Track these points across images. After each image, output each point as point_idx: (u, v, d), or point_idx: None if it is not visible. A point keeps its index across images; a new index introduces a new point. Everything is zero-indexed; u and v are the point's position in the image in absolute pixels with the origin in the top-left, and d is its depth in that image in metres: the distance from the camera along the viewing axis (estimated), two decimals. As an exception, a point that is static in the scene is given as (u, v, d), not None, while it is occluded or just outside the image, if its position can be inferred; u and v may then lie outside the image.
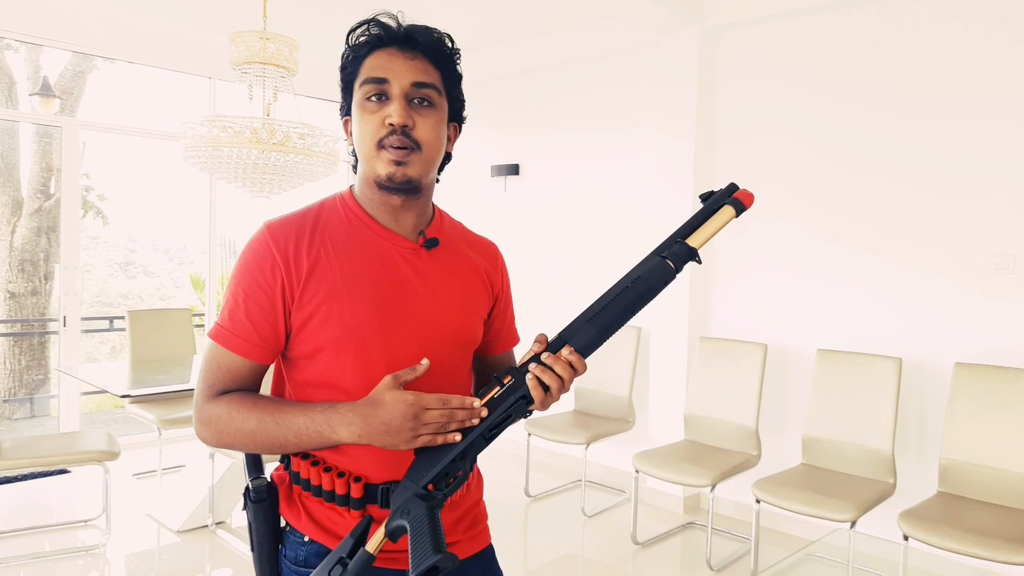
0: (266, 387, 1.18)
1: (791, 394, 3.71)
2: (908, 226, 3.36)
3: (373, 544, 1.01)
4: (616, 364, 4.17)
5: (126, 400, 3.47)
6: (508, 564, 3.26)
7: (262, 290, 1.09)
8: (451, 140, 1.22)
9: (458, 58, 1.18)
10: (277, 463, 1.19)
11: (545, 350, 1.03)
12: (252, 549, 1.14)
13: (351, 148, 1.18)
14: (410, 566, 0.95)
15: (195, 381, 1.17)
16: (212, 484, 3.56)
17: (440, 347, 1.14)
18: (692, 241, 1.04)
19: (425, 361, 1.04)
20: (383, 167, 1.10)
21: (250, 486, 1.12)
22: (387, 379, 1.01)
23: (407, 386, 1.02)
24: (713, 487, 3.21)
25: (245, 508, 1.14)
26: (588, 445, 3.85)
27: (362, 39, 1.14)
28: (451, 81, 1.17)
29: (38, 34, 4.57)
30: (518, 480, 4.35)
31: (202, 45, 4.80)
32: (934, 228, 3.29)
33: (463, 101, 1.23)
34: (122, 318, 5.26)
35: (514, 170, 5.12)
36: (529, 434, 4.08)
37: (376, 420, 1.00)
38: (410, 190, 1.13)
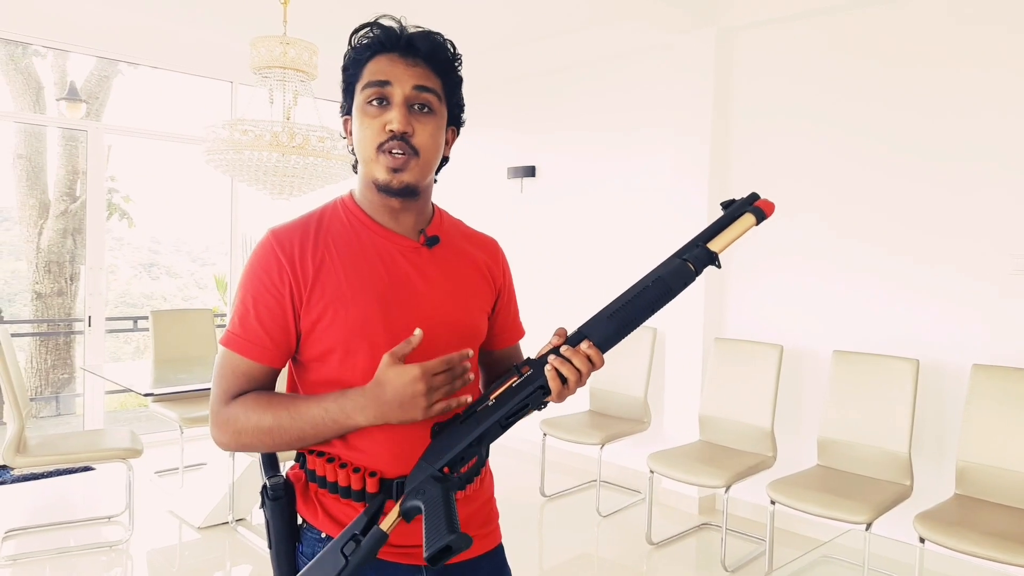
0: (280, 390, 1.21)
1: (807, 395, 3.70)
2: (925, 226, 3.35)
3: (387, 523, 1.03)
4: (631, 365, 4.18)
5: (149, 399, 3.54)
6: (523, 563, 3.30)
7: (271, 295, 1.12)
8: (449, 143, 1.24)
9: (459, 64, 1.20)
10: (292, 462, 1.22)
11: (564, 343, 1.06)
12: (270, 546, 1.16)
13: (350, 147, 1.21)
14: (424, 545, 0.97)
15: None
16: (232, 482, 3.62)
17: (445, 343, 1.16)
18: (713, 245, 1.06)
19: (418, 331, 1.05)
20: (381, 173, 1.13)
21: (267, 484, 1.15)
22: (386, 357, 1.03)
23: (406, 359, 1.04)
24: (728, 488, 3.21)
25: (263, 506, 1.17)
26: (603, 445, 3.87)
27: (364, 42, 1.16)
28: (451, 87, 1.20)
29: (65, 40, 4.67)
30: (533, 480, 4.38)
31: (223, 50, 4.88)
32: (952, 228, 3.27)
33: (463, 106, 1.25)
34: (145, 318, 5.35)
35: (530, 172, 5.15)
36: (544, 434, 4.11)
37: (387, 398, 1.02)
38: (408, 194, 1.16)
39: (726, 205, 1.09)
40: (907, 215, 3.40)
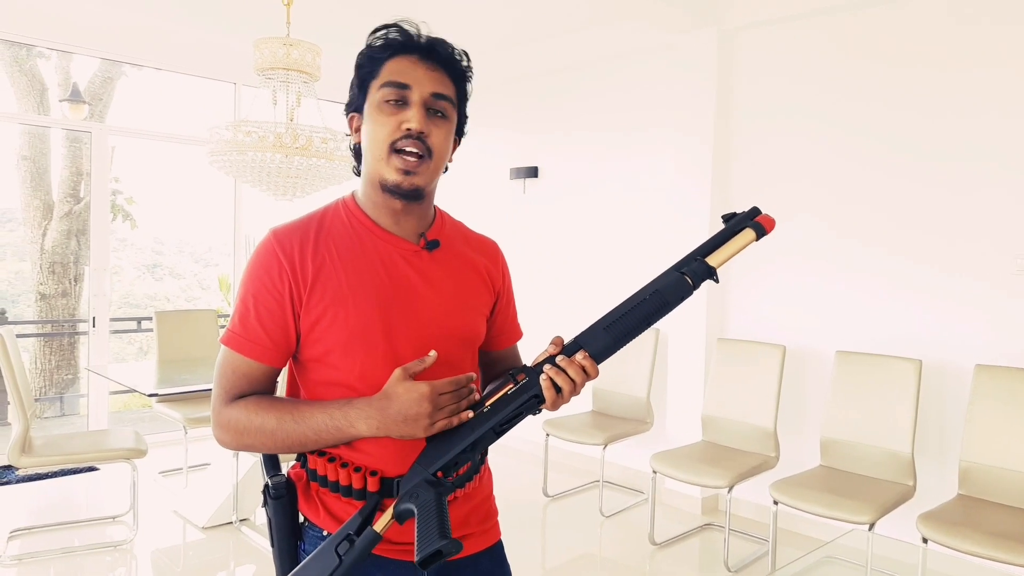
0: (280, 391, 1.22)
1: (809, 395, 3.70)
2: (928, 226, 3.35)
3: (381, 524, 1.05)
4: (634, 365, 4.18)
5: (153, 399, 3.55)
6: (526, 563, 3.30)
7: (271, 295, 1.13)
8: (451, 151, 1.25)
9: (470, 76, 1.22)
10: (293, 461, 1.23)
11: (560, 353, 1.07)
12: (272, 544, 1.17)
13: (354, 144, 1.22)
14: (416, 548, 0.98)
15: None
16: (236, 482, 3.63)
17: (443, 345, 1.18)
18: (711, 260, 1.07)
19: (433, 353, 1.08)
20: (392, 174, 1.14)
21: (269, 483, 1.16)
22: (397, 372, 1.06)
23: (416, 377, 1.06)
24: (731, 488, 3.21)
25: (265, 505, 1.18)
26: (606, 446, 3.87)
27: (383, 41, 1.17)
28: (463, 96, 1.22)
29: (68, 42, 4.68)
30: (536, 480, 4.38)
31: (227, 51, 4.89)
32: (954, 228, 3.27)
33: (467, 118, 1.27)
34: (149, 319, 5.37)
35: (533, 172, 5.15)
36: (547, 434, 4.11)
37: (392, 411, 1.04)
38: (414, 196, 1.17)
39: (728, 218, 1.10)
40: (909, 215, 3.40)
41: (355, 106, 1.21)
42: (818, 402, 3.61)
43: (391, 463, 1.13)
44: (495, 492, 1.33)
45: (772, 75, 3.88)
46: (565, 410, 4.14)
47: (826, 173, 3.67)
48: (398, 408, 1.04)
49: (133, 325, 7.74)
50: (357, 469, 1.12)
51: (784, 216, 3.79)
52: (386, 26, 1.17)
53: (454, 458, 1.06)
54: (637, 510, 4.05)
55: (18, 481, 4.25)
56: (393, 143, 1.13)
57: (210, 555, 3.38)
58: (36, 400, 6.47)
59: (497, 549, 1.30)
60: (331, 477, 1.13)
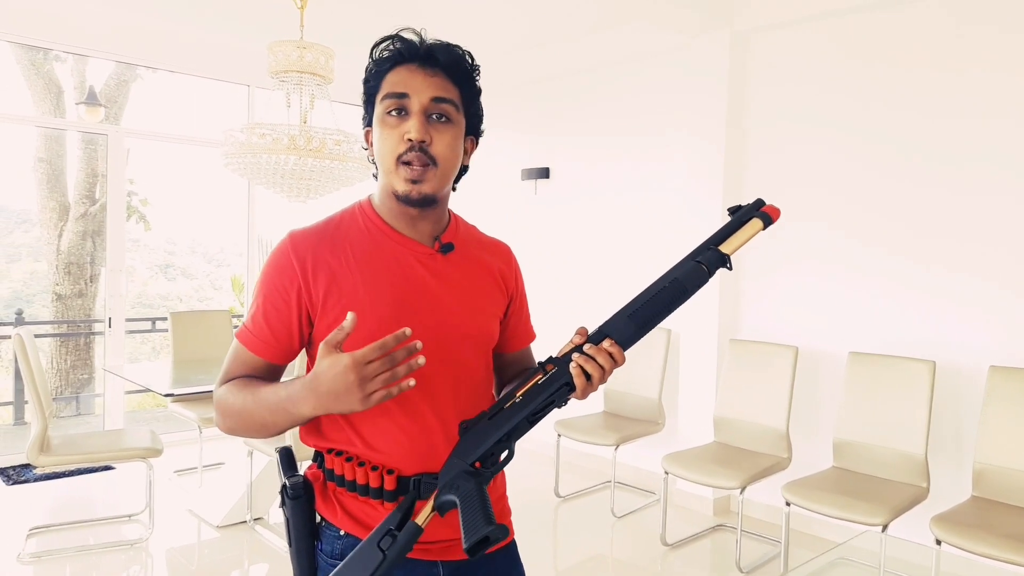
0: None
1: (822, 397, 3.69)
2: (941, 228, 3.33)
3: (422, 516, 1.06)
4: (646, 366, 4.18)
5: (168, 399, 3.58)
6: (538, 564, 3.31)
7: (280, 296, 1.16)
8: (468, 153, 1.27)
9: (477, 74, 1.23)
10: (309, 461, 1.25)
11: (586, 341, 1.09)
12: (289, 544, 1.19)
13: (371, 157, 1.24)
14: (463, 536, 1.01)
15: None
16: (251, 481, 3.66)
17: (458, 347, 1.20)
18: (724, 248, 1.10)
19: (350, 316, 1.02)
20: (400, 184, 1.16)
21: (287, 484, 1.18)
22: (320, 347, 1.01)
23: (343, 347, 1.02)
24: (743, 489, 3.21)
25: (282, 505, 1.19)
26: (617, 446, 3.88)
27: (384, 54, 1.19)
28: (470, 97, 1.22)
29: (84, 45, 4.73)
30: (548, 481, 4.39)
31: (241, 54, 4.93)
32: (968, 230, 3.25)
33: (481, 116, 1.27)
34: (164, 319, 5.41)
35: (544, 173, 5.16)
36: (559, 435, 4.12)
37: (322, 390, 1.02)
38: (426, 204, 1.19)
39: (733, 210, 1.14)
40: (923, 218, 3.38)
41: (367, 121, 1.24)
42: (831, 403, 3.60)
43: (407, 461, 1.15)
44: (496, 474, 1.34)
45: (786, 79, 3.87)
46: (577, 410, 4.15)
47: (839, 177, 3.66)
48: (327, 385, 1.01)
49: (148, 325, 7.80)
50: (374, 468, 1.14)
51: (796, 219, 3.78)
52: (387, 38, 1.19)
53: (491, 448, 1.08)
54: (649, 511, 4.05)
55: (36, 479, 4.30)
56: (398, 156, 1.15)
57: (224, 554, 3.41)
58: (53, 400, 6.54)
59: (511, 549, 1.32)
60: (348, 476, 1.15)
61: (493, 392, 1.34)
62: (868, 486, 3.06)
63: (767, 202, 1.13)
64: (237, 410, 1.14)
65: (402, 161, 1.15)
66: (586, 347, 1.08)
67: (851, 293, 3.61)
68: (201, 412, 3.97)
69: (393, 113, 1.16)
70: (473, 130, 1.26)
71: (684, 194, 4.19)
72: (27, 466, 4.43)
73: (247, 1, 4.08)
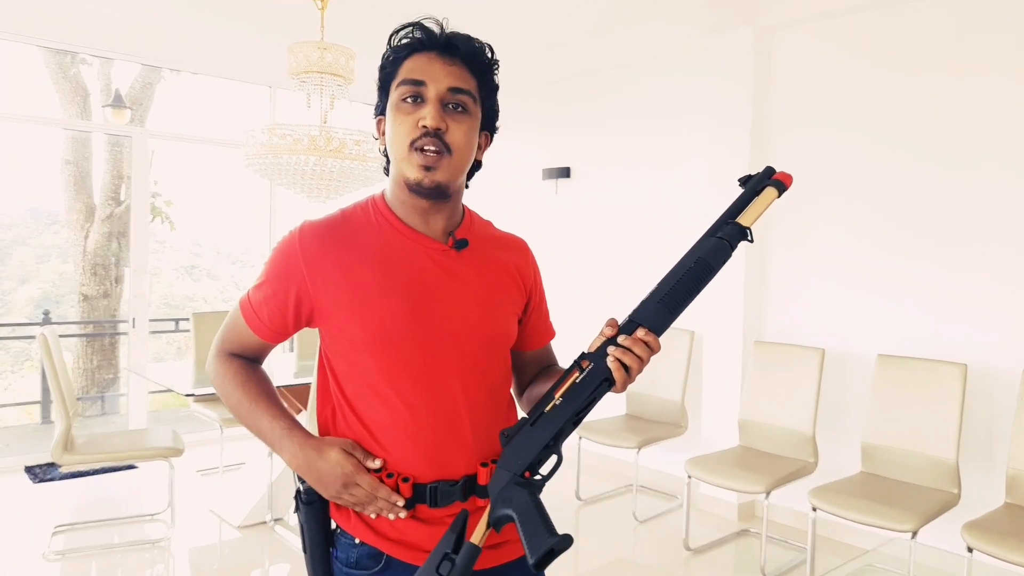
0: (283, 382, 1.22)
1: (850, 400, 3.61)
2: (972, 231, 3.25)
3: (477, 536, 1.03)
4: (669, 368, 4.13)
5: (190, 399, 3.60)
6: (559, 568, 3.27)
7: (281, 285, 1.16)
8: (482, 148, 1.23)
9: (496, 68, 1.20)
10: None
11: (618, 333, 1.05)
12: (304, 551, 1.17)
13: (382, 148, 1.21)
14: (527, 552, 0.97)
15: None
16: (271, 481, 3.67)
17: (474, 346, 1.17)
18: (742, 220, 1.07)
19: (378, 462, 1.12)
20: (413, 171, 1.12)
21: (301, 489, 1.16)
22: (347, 440, 1.13)
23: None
24: (768, 494, 3.15)
25: (297, 511, 1.18)
26: (640, 449, 3.83)
27: (404, 41, 1.16)
28: (487, 90, 1.19)
29: (110, 48, 4.78)
30: (569, 483, 4.35)
31: (262, 56, 4.95)
32: (998, 234, 3.17)
33: (497, 111, 1.24)
34: (187, 319, 5.45)
35: (565, 173, 5.13)
36: (580, 437, 4.08)
37: (313, 466, 1.11)
38: (438, 195, 1.15)
39: (744, 181, 1.11)
40: (954, 221, 3.30)
41: (380, 109, 1.21)
42: (858, 407, 3.53)
43: (423, 469, 1.12)
44: (548, 481, 1.31)
45: (813, 79, 3.79)
46: (599, 413, 4.10)
47: (864, 182, 3.58)
48: (319, 467, 1.10)
49: (171, 326, 7.87)
50: (389, 475, 1.11)
51: (824, 224, 3.72)
52: (407, 25, 1.16)
53: (538, 455, 1.05)
54: (671, 515, 3.99)
55: (61, 478, 4.34)
56: (412, 142, 1.12)
57: (245, 554, 3.42)
58: (78, 399, 6.62)
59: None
60: None
61: (512, 393, 1.30)
62: (897, 492, 2.99)
63: (778, 169, 1.10)
64: (233, 403, 1.20)
65: (415, 147, 1.11)
66: (620, 338, 1.04)
67: (879, 296, 3.54)
68: (222, 412, 3.98)
69: (408, 100, 1.13)
70: (488, 125, 1.23)
71: (706, 195, 4.13)
72: (52, 464, 4.48)
73: (268, 3, 4.10)
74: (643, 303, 1.06)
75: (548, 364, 1.38)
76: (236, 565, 3.31)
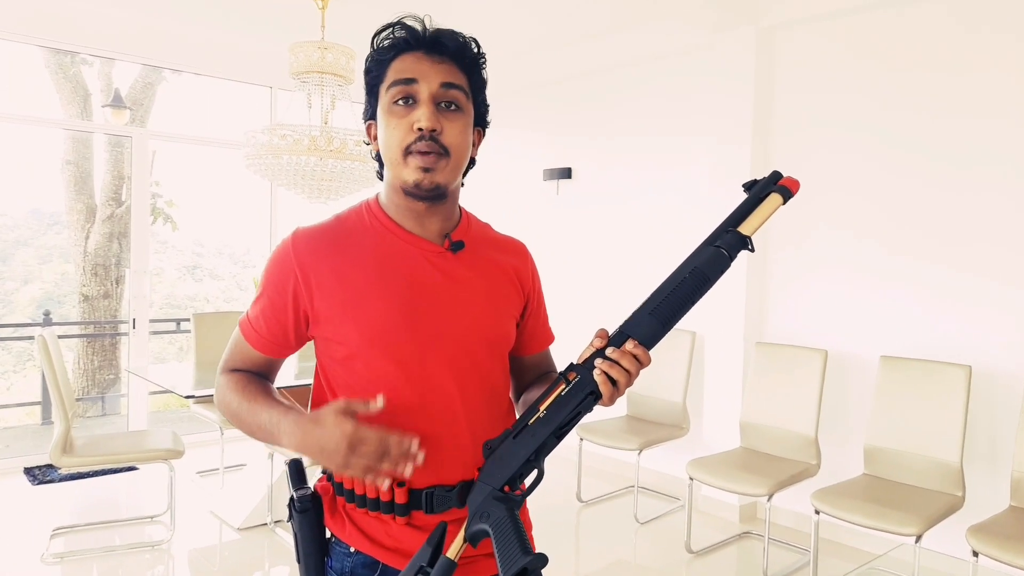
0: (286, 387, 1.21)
1: (852, 402, 3.59)
2: (976, 231, 3.22)
3: (453, 550, 1.01)
4: (670, 369, 4.11)
5: (190, 400, 3.59)
6: (559, 570, 3.26)
7: (278, 294, 1.14)
8: (475, 145, 1.21)
9: (483, 63, 1.18)
10: (320, 473, 1.20)
11: (608, 345, 1.02)
12: (298, 560, 1.15)
13: (374, 152, 1.19)
14: (500, 570, 0.95)
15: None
16: (271, 483, 3.65)
17: (472, 349, 1.15)
18: (743, 229, 1.02)
19: (380, 400, 1.02)
20: (410, 174, 1.10)
21: (295, 496, 1.13)
22: (339, 401, 1.01)
23: (360, 418, 1.01)
24: (770, 496, 3.13)
25: (290, 519, 1.15)
26: (641, 451, 3.81)
27: (387, 42, 1.13)
28: (477, 86, 1.17)
29: (110, 48, 4.78)
30: (570, 485, 4.33)
31: (263, 56, 4.94)
32: (1003, 235, 3.14)
33: (487, 106, 1.22)
34: (188, 320, 5.44)
35: (566, 174, 5.11)
36: (581, 439, 4.06)
37: (312, 438, 1.01)
38: (436, 196, 1.13)
39: (749, 186, 1.06)
40: (958, 222, 3.27)
41: (370, 113, 1.18)
42: (861, 408, 3.51)
43: (419, 473, 1.09)
44: (527, 498, 1.29)
45: (816, 79, 3.77)
46: (600, 415, 4.09)
47: (867, 182, 3.56)
48: (318, 437, 1.00)
49: (172, 326, 7.87)
50: None
51: (826, 224, 3.69)
52: (389, 25, 1.13)
53: (519, 469, 1.02)
54: (673, 517, 3.97)
55: (61, 479, 4.33)
56: (407, 147, 1.09)
57: (245, 555, 3.40)
58: (79, 400, 6.62)
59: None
60: (358, 491, 1.11)
61: (511, 397, 1.29)
62: (900, 494, 2.97)
63: (784, 174, 1.05)
64: (233, 411, 1.16)
65: (411, 151, 1.09)
66: (608, 351, 1.01)
67: (882, 297, 3.51)
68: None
69: (400, 102, 1.11)
70: (480, 121, 1.21)
71: (708, 196, 4.11)
72: (52, 466, 4.47)
73: (269, 3, 4.08)
74: (635, 314, 1.03)
75: (546, 370, 1.36)
76: (236, 567, 3.30)
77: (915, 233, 3.41)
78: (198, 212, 8.07)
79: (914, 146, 3.41)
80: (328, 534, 1.16)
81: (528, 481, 1.06)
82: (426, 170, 1.09)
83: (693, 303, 1.02)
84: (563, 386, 1.03)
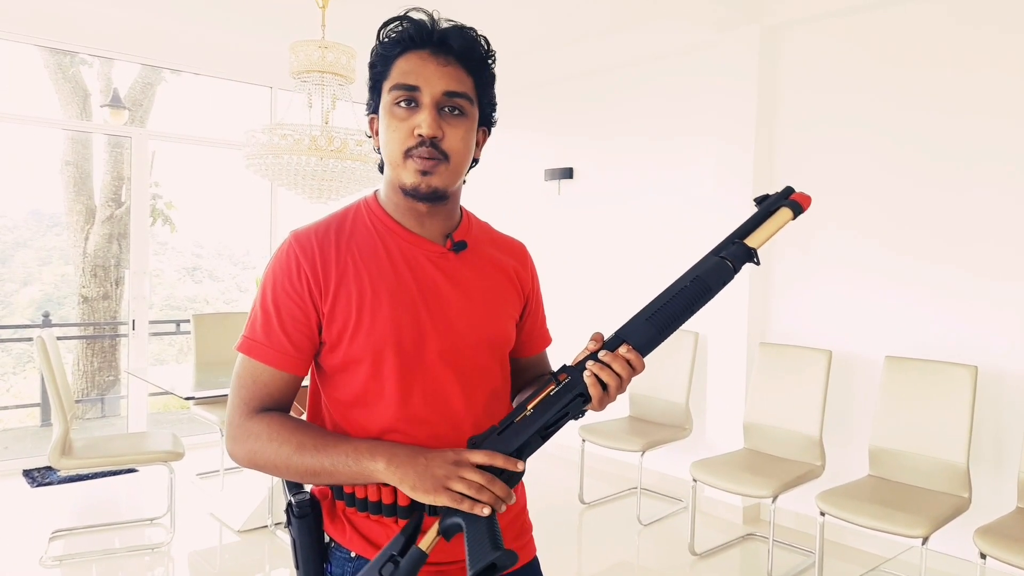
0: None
1: (857, 402, 3.57)
2: (981, 231, 3.20)
3: (426, 542, 0.99)
4: (673, 370, 4.09)
5: (190, 402, 3.57)
6: (561, 571, 3.24)
7: (293, 300, 1.08)
8: (480, 145, 1.19)
9: (492, 61, 1.15)
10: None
11: (602, 348, 1.01)
12: (296, 566, 1.12)
13: (376, 146, 1.16)
14: (468, 564, 0.93)
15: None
16: (272, 485, 3.63)
17: (473, 350, 1.13)
18: (750, 241, 1.02)
19: (520, 465, 1.01)
20: (409, 176, 1.08)
21: (292, 501, 1.10)
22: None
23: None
24: (775, 498, 3.11)
25: (288, 524, 1.12)
26: (644, 452, 3.79)
27: (393, 36, 1.10)
28: (483, 85, 1.14)
29: (110, 48, 4.76)
30: (572, 486, 4.31)
31: (263, 56, 4.92)
32: (1009, 232, 3.12)
33: (495, 104, 1.19)
34: (188, 321, 5.42)
35: (568, 174, 5.09)
36: (584, 440, 4.04)
37: (419, 454, 1.00)
38: (436, 198, 1.11)
39: (760, 200, 1.05)
40: (964, 222, 3.25)
41: (373, 107, 1.16)
42: (866, 409, 3.49)
43: None
44: (529, 498, 1.27)
45: (820, 78, 3.75)
46: (602, 415, 4.07)
47: (872, 182, 3.54)
48: (429, 458, 0.99)
49: (172, 328, 7.84)
50: (385, 483, 1.07)
51: (830, 224, 3.67)
52: (396, 18, 1.10)
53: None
54: (676, 518, 3.95)
55: (60, 482, 4.31)
56: (407, 150, 1.07)
57: (245, 558, 3.38)
58: (78, 402, 6.60)
59: (533, 567, 1.24)
60: (359, 495, 1.08)
61: (509, 400, 1.27)
62: (906, 496, 2.95)
63: (797, 189, 1.04)
64: (285, 454, 1.04)
65: (411, 155, 1.07)
66: (601, 354, 0.99)
67: (887, 297, 3.49)
68: (222, 415, 3.92)
69: (402, 104, 1.08)
70: (486, 120, 1.18)
71: (711, 197, 4.09)
72: (51, 468, 4.45)
73: (269, 2, 4.06)
74: (632, 319, 1.01)
75: (543, 372, 1.34)
76: (237, 569, 3.28)
77: (920, 232, 3.39)
78: (197, 213, 8.05)
79: (919, 145, 3.39)
80: (327, 539, 1.13)
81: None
82: (424, 174, 1.07)
83: (693, 312, 1.00)
84: (553, 386, 1.02)
